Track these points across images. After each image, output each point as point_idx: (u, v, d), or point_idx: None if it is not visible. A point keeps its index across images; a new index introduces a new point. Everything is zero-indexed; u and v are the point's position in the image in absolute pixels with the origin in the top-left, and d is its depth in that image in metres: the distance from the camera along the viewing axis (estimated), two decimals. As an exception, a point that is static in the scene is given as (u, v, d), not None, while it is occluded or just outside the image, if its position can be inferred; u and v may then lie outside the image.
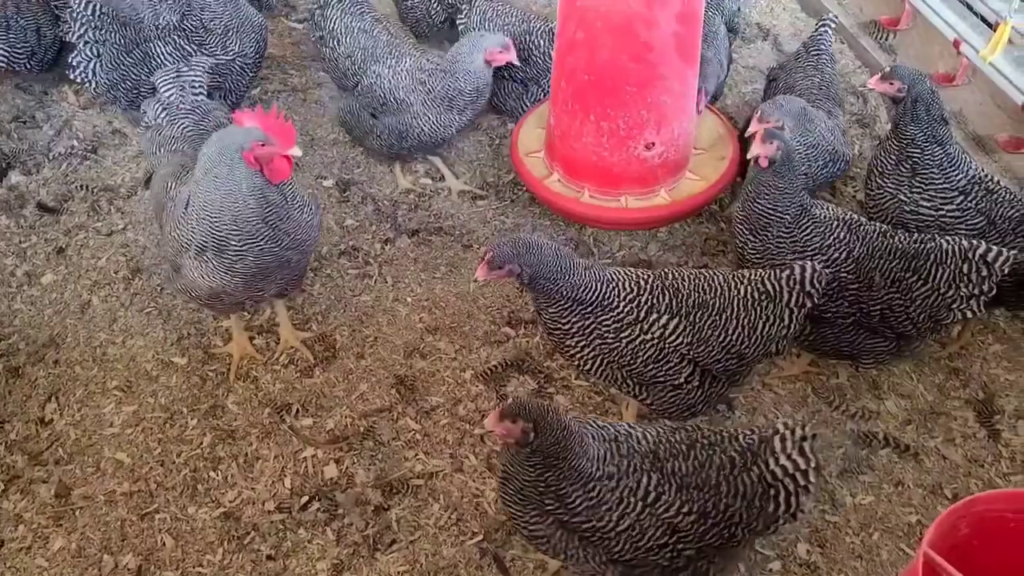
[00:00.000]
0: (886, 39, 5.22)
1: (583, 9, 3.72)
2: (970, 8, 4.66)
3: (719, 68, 4.39)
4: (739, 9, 4.99)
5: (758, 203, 3.24)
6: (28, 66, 4.75)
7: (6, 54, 4.68)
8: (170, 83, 3.72)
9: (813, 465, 2.47)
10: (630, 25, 3.64)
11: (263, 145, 3.00)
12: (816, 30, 4.32)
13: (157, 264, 4.03)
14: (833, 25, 4.29)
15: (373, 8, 4.49)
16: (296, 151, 3.10)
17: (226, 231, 3.03)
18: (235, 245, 3.05)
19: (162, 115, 3.67)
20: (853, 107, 4.97)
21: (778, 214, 3.20)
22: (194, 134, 3.58)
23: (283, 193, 3.13)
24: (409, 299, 3.97)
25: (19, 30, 4.70)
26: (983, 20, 4.64)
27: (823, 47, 4.20)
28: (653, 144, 3.94)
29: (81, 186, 4.53)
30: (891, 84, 3.40)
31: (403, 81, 4.22)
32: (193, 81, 3.74)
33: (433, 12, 4.97)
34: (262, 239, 3.08)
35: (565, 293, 2.90)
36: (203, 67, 3.81)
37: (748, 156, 3.33)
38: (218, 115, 3.73)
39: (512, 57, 4.16)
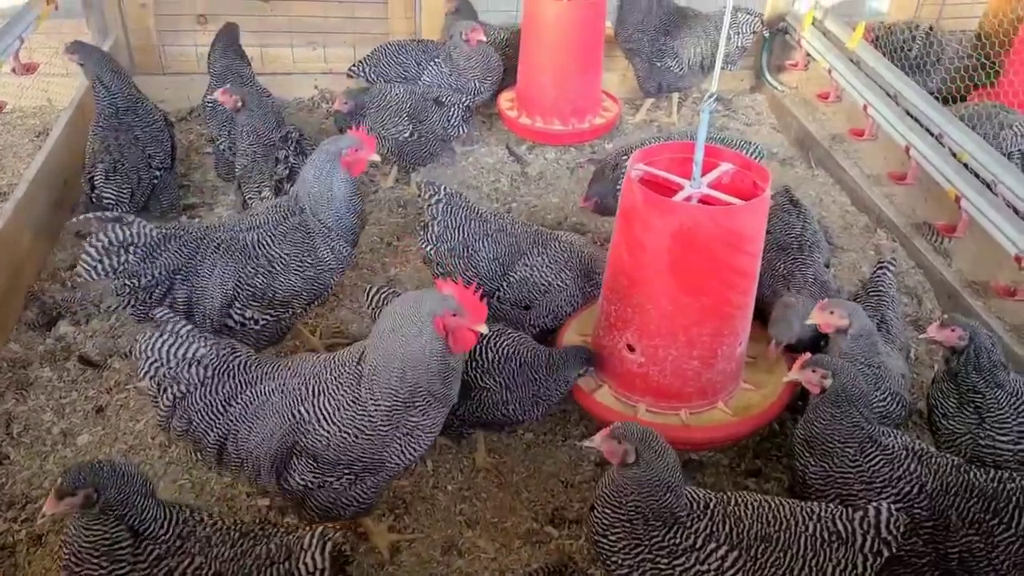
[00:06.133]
0: (940, 243, 5.20)
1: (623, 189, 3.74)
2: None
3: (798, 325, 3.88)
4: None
5: (815, 426, 3.13)
6: (128, 207, 4.85)
7: (113, 196, 4.83)
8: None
9: (322, 568, 2.61)
10: (630, 214, 3.63)
11: (454, 315, 2.98)
12: (874, 273, 4.20)
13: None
14: (893, 268, 4.17)
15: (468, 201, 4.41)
16: (484, 328, 3.05)
17: (408, 389, 3.00)
18: (419, 403, 3.03)
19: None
20: (907, 308, 4.90)
21: (839, 443, 3.07)
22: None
23: (459, 361, 3.14)
24: (449, 487, 3.83)
25: (125, 173, 4.91)
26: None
27: (882, 289, 4.05)
28: (633, 349, 3.80)
29: (128, 342, 4.48)
30: (952, 331, 3.32)
31: (558, 262, 4.29)
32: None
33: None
34: (442, 400, 3.09)
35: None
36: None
37: (785, 379, 3.23)
38: None
39: None
